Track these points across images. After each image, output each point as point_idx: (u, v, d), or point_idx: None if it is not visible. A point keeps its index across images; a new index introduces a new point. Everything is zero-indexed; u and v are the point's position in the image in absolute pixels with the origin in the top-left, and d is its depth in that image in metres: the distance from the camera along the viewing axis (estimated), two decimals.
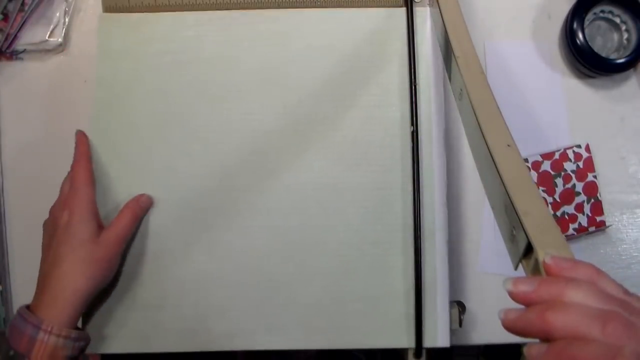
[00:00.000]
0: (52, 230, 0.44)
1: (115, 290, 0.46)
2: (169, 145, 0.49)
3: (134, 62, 0.50)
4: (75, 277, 0.41)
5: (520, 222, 0.28)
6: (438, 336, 0.46)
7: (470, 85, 0.37)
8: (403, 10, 0.50)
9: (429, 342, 0.46)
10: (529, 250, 0.28)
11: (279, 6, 0.50)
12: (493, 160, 0.32)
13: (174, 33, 0.50)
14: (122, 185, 0.48)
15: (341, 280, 0.47)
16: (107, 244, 0.43)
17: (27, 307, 0.41)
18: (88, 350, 0.45)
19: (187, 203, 0.48)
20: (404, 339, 0.46)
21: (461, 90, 0.39)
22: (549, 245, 0.27)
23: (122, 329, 0.46)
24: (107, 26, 0.50)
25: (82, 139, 0.47)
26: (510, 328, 0.26)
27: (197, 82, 0.49)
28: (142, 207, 0.47)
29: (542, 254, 0.26)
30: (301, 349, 0.47)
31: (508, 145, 0.33)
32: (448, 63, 0.44)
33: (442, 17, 0.43)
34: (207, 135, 0.49)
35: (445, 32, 0.42)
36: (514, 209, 0.29)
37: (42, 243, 0.45)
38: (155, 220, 0.48)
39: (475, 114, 0.35)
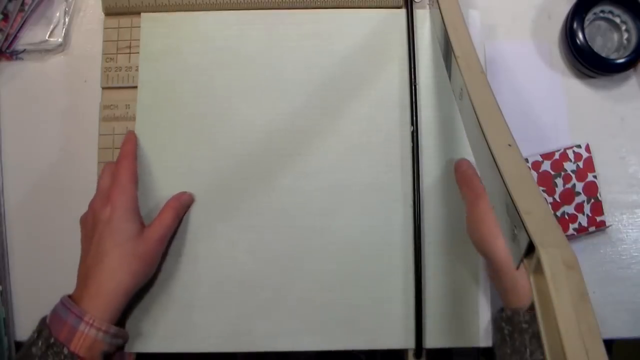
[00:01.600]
0: (92, 225, 0.44)
1: (157, 291, 0.46)
2: (211, 145, 0.49)
3: (175, 62, 0.50)
4: (119, 272, 0.42)
5: (522, 222, 0.28)
6: (480, 336, 0.46)
7: (471, 85, 0.37)
8: (403, 11, 0.50)
9: (466, 342, 0.46)
10: (530, 249, 0.28)
11: (270, 6, 0.50)
12: (494, 159, 0.32)
13: (215, 32, 0.50)
14: (164, 184, 0.48)
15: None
16: (150, 240, 0.44)
17: (69, 297, 0.41)
18: (132, 349, 0.45)
19: (228, 203, 0.48)
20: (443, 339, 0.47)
21: (461, 90, 0.39)
22: (550, 244, 0.27)
23: (164, 328, 0.46)
24: (148, 26, 0.50)
25: (131, 138, 0.48)
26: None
27: (238, 81, 0.50)
28: (183, 205, 0.47)
29: (544, 253, 0.26)
30: (341, 349, 0.47)
31: (509, 145, 0.33)
32: (448, 63, 0.44)
33: (442, 17, 0.43)
34: (248, 135, 0.49)
35: (446, 32, 0.42)
36: (515, 208, 0.29)
37: (81, 236, 0.45)
38: (196, 220, 0.48)
39: (475, 114, 0.35)
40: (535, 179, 0.50)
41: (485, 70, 0.49)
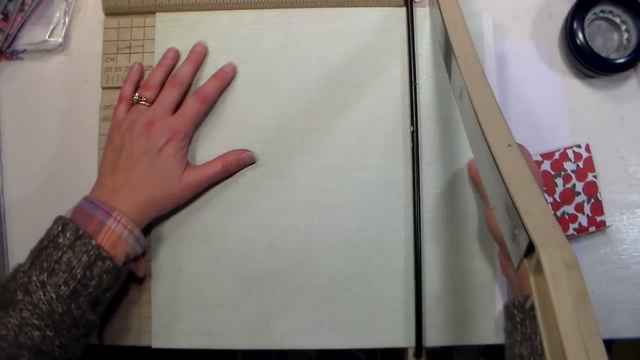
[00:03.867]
0: (140, 139, 0.44)
1: (180, 290, 0.47)
2: (227, 144, 0.49)
3: None
4: (151, 195, 0.44)
5: (522, 222, 0.28)
6: (480, 335, 0.47)
7: (471, 85, 0.37)
8: (403, 10, 0.50)
9: (466, 341, 0.47)
10: (530, 249, 0.28)
11: (265, 6, 0.51)
12: (494, 159, 0.32)
13: (231, 31, 0.50)
14: None
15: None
16: (186, 185, 0.46)
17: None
18: (157, 345, 0.47)
19: (248, 202, 0.48)
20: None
21: (461, 90, 0.39)
22: (550, 244, 0.27)
23: (187, 326, 0.47)
24: (163, 26, 0.50)
25: (232, 69, 0.49)
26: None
27: (254, 80, 0.50)
28: (238, 162, 0.48)
29: (544, 253, 0.26)
30: (366, 348, 0.47)
31: (509, 145, 0.33)
32: (448, 63, 0.44)
33: (442, 17, 0.43)
34: (266, 134, 0.49)
35: (446, 32, 0.42)
36: (515, 208, 0.29)
37: (116, 135, 0.46)
38: (215, 220, 0.48)
39: (475, 114, 0.35)
40: None
41: (497, 69, 0.50)
